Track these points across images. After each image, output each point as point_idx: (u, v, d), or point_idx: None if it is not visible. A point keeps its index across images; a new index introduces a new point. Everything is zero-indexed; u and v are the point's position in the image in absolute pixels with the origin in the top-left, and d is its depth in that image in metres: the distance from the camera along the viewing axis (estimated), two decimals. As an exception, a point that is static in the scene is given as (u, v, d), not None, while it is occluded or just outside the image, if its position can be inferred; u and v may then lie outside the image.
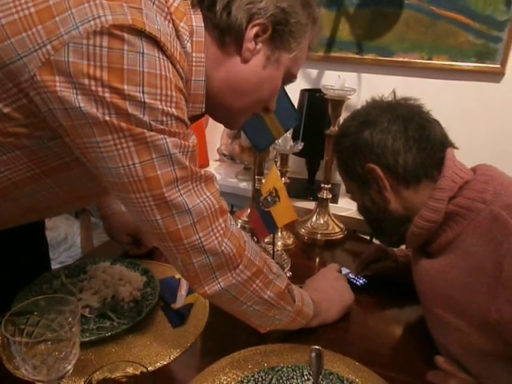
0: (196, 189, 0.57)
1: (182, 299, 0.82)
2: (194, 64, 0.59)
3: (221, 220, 0.59)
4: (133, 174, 0.52)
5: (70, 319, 0.55)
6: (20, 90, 0.49)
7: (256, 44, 0.62)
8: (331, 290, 0.83)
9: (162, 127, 0.51)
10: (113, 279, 0.85)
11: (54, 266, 1.36)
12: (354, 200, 0.88)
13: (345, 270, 0.97)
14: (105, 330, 0.73)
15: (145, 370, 0.53)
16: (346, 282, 0.87)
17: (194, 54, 0.59)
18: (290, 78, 0.70)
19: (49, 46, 0.46)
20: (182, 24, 0.57)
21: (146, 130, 0.50)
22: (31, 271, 0.86)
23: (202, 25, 0.59)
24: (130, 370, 0.53)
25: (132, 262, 0.93)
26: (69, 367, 0.55)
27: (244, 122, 0.73)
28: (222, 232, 0.59)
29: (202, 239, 0.57)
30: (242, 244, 0.62)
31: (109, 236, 1.03)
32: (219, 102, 0.65)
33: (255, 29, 0.60)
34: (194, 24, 0.59)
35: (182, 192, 0.55)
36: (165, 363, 0.69)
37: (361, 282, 0.94)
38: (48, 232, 1.49)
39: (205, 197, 0.57)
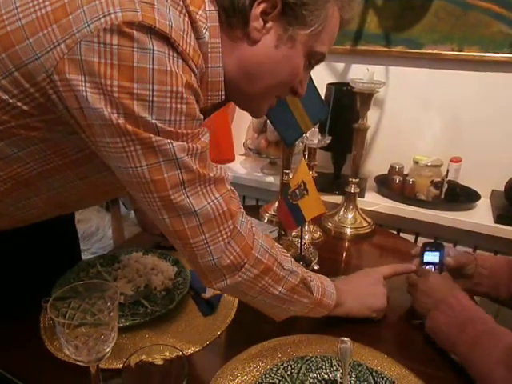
0: (204, 191, 0.56)
1: (211, 289, 0.84)
2: (209, 51, 0.56)
3: (230, 222, 0.59)
4: (140, 175, 0.52)
5: (109, 304, 0.58)
6: (37, 90, 0.50)
7: (265, 22, 0.57)
8: (364, 288, 0.81)
9: (169, 129, 0.50)
10: (145, 268, 0.88)
11: (87, 256, 1.41)
12: None
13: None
14: (139, 317, 0.76)
15: (180, 353, 0.55)
16: (383, 289, 0.82)
17: (210, 41, 0.56)
18: (315, 56, 0.64)
19: (63, 45, 0.47)
20: (200, 12, 0.54)
21: (152, 135, 0.50)
22: (63, 261, 0.89)
23: (215, 9, 0.56)
24: (166, 354, 0.55)
25: (163, 252, 0.96)
26: (108, 349, 0.57)
27: (269, 107, 0.70)
28: (229, 234, 0.59)
29: (208, 240, 0.58)
30: (250, 243, 0.62)
31: (141, 227, 1.06)
32: (237, 89, 0.63)
33: (262, 5, 0.56)
34: (207, 9, 0.55)
35: (188, 194, 0.55)
36: (196, 350, 0.71)
37: None
38: (80, 224, 1.55)
39: (213, 198, 0.57)
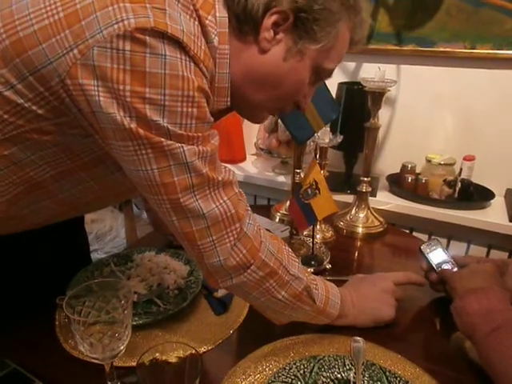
0: (213, 194, 0.57)
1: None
2: (218, 56, 0.57)
3: (237, 224, 0.59)
4: (150, 178, 0.53)
5: (123, 302, 0.58)
6: (51, 94, 0.51)
7: (276, 33, 0.58)
8: (371, 300, 0.78)
9: (180, 132, 0.51)
10: (158, 267, 0.88)
11: (101, 255, 1.44)
12: None
13: None
14: (152, 315, 0.77)
15: (194, 351, 0.55)
16: (391, 299, 0.79)
17: (219, 46, 0.57)
18: (322, 72, 0.65)
19: (75, 51, 0.47)
20: (209, 17, 0.55)
21: (163, 139, 0.51)
22: (73, 263, 0.90)
23: (226, 15, 0.57)
24: (180, 352, 0.56)
25: (176, 251, 0.96)
26: (122, 347, 0.58)
27: (267, 116, 0.72)
28: (236, 236, 0.59)
29: (215, 241, 0.58)
30: (257, 245, 0.62)
31: (153, 227, 1.07)
32: (240, 95, 0.63)
33: (274, 17, 0.57)
34: (217, 15, 0.56)
35: (197, 197, 0.55)
36: (208, 348, 0.72)
37: None
38: (94, 224, 1.57)
39: (221, 201, 0.57)
